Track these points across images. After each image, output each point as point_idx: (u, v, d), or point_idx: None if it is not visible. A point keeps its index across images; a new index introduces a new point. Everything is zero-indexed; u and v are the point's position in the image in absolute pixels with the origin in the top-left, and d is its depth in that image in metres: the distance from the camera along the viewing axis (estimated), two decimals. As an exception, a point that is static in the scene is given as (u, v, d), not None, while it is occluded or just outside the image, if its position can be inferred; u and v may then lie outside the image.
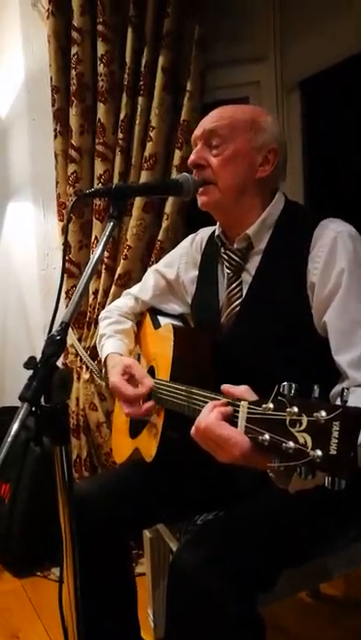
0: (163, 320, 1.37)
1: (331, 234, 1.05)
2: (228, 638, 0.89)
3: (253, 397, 0.83)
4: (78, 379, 1.99)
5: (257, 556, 0.99)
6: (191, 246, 1.37)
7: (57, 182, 1.98)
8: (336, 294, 1.01)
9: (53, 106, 1.92)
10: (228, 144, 1.12)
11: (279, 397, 0.73)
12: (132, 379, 1.23)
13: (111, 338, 1.39)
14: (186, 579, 0.93)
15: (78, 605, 0.90)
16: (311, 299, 1.05)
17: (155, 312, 1.43)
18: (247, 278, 1.16)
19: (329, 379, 1.00)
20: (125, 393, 1.20)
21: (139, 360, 1.45)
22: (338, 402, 0.68)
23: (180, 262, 1.38)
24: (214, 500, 1.23)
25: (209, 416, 0.84)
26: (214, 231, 1.27)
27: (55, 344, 0.83)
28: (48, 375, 0.81)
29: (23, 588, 1.90)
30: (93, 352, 1.95)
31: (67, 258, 1.95)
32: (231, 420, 0.83)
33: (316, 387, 0.72)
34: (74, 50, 1.84)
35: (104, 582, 1.18)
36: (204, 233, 1.36)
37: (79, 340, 1.99)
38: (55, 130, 1.93)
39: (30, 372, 0.83)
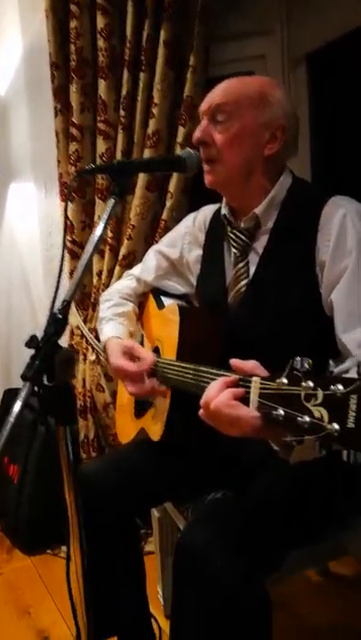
0: (167, 301, 1.36)
1: (340, 211, 1.03)
2: (234, 616, 0.89)
3: (263, 373, 0.82)
4: (85, 360, 1.99)
5: (265, 534, 0.99)
6: (194, 225, 1.34)
7: (58, 161, 1.95)
8: (344, 274, 1.00)
9: (53, 83, 1.88)
10: (233, 121, 1.08)
11: (294, 372, 0.72)
12: (133, 358, 1.22)
13: (111, 321, 1.38)
14: (193, 556, 0.93)
15: (86, 582, 0.91)
16: (320, 277, 1.04)
17: (158, 292, 1.41)
18: (254, 258, 1.14)
19: (336, 357, 0.98)
20: (128, 369, 1.20)
21: (142, 342, 1.43)
22: (354, 374, 0.67)
23: (183, 242, 1.35)
24: (222, 478, 1.22)
25: (219, 397, 0.82)
26: (219, 209, 1.24)
27: (57, 322, 0.82)
28: (50, 354, 0.80)
29: (33, 565, 1.92)
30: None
31: (70, 238, 1.93)
32: (243, 398, 0.82)
33: (331, 362, 0.70)
34: (72, 24, 1.79)
35: (112, 559, 1.19)
36: (206, 211, 1.33)
37: (84, 321, 1.98)
38: (55, 108, 1.90)
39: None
